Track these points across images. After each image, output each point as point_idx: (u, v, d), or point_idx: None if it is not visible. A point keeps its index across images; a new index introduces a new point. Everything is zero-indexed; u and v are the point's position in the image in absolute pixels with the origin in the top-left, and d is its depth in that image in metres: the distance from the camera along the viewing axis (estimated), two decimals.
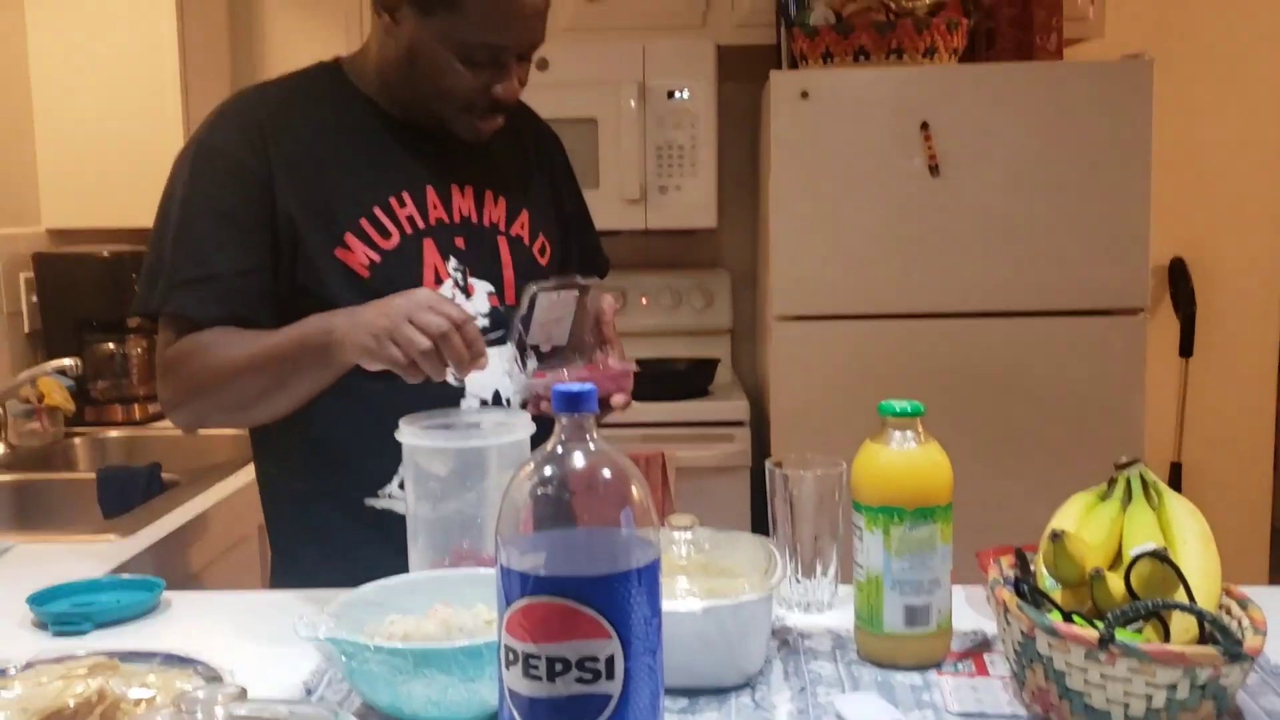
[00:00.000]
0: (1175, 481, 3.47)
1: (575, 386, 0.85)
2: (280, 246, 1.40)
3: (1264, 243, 3.48)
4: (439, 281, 1.45)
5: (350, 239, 1.41)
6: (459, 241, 1.48)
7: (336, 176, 1.43)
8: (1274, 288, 3.50)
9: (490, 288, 1.50)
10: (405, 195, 1.45)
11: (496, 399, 1.47)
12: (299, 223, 1.40)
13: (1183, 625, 0.99)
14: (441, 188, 1.48)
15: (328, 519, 1.47)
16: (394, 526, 1.33)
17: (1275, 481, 3.64)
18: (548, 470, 0.84)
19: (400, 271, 1.42)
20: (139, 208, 2.66)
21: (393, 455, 1.29)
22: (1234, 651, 0.92)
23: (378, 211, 1.43)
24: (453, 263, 1.47)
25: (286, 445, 1.48)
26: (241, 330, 1.37)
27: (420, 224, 1.45)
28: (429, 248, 1.45)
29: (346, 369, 1.30)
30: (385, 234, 1.43)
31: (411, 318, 1.21)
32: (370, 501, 1.44)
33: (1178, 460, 3.47)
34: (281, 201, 1.40)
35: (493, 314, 1.49)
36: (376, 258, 1.41)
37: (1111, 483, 1.16)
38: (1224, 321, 3.49)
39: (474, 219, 1.50)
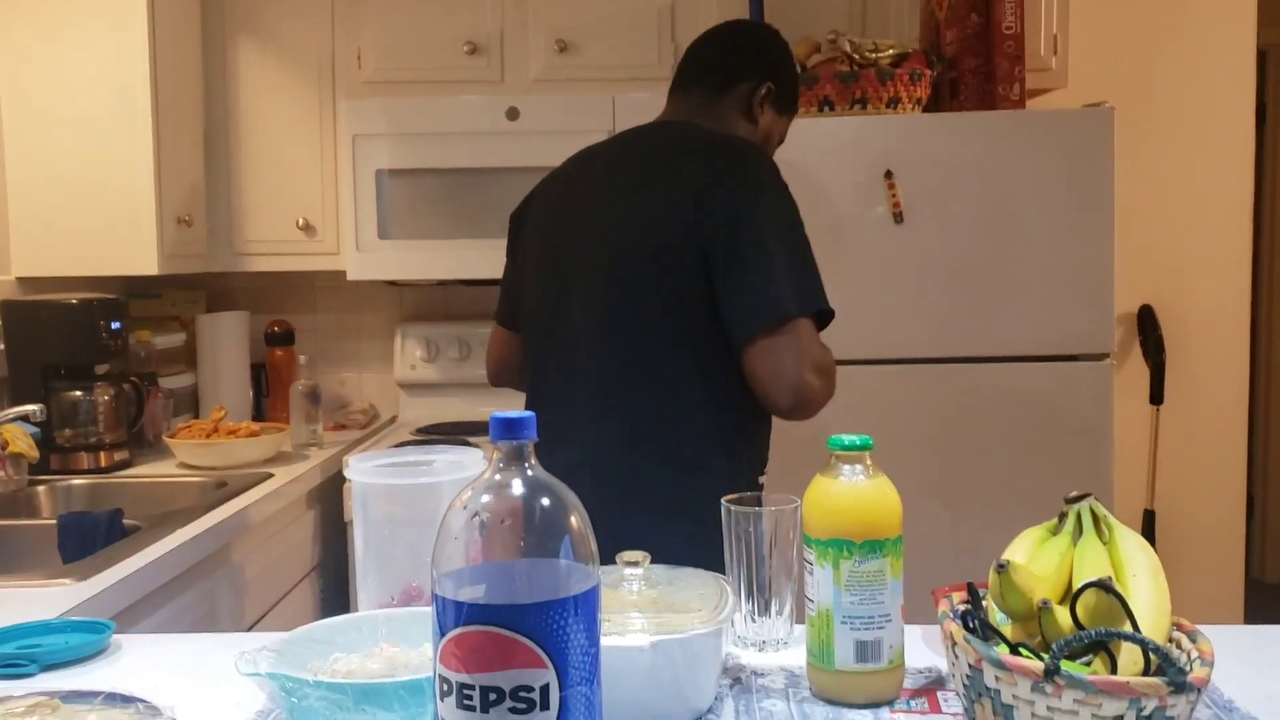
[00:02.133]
0: (1149, 528, 3.47)
1: (513, 413, 0.85)
2: None
3: (1231, 289, 3.52)
4: None
5: None
6: None
7: None
8: (1243, 334, 3.53)
9: None
10: None
11: None
12: None
13: (1130, 657, 0.99)
14: None
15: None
16: None
17: (1249, 527, 3.64)
18: (484, 499, 0.84)
19: None
20: (109, 255, 2.69)
21: (766, 443, 1.88)
22: (1179, 682, 0.92)
23: None
24: None
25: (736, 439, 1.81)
26: None
27: None
28: None
29: None
30: None
31: None
32: (761, 479, 1.87)
33: (1151, 508, 3.48)
34: None
35: None
36: None
37: (1062, 517, 1.16)
38: (1194, 368, 3.51)
39: None
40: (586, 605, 0.83)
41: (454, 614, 0.81)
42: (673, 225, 1.73)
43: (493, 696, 0.80)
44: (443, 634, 0.82)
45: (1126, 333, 3.45)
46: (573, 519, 0.84)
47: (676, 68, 1.96)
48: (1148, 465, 3.48)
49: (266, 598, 2.39)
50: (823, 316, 1.75)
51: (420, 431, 3.08)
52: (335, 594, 2.81)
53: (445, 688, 0.81)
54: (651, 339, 1.75)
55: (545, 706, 0.80)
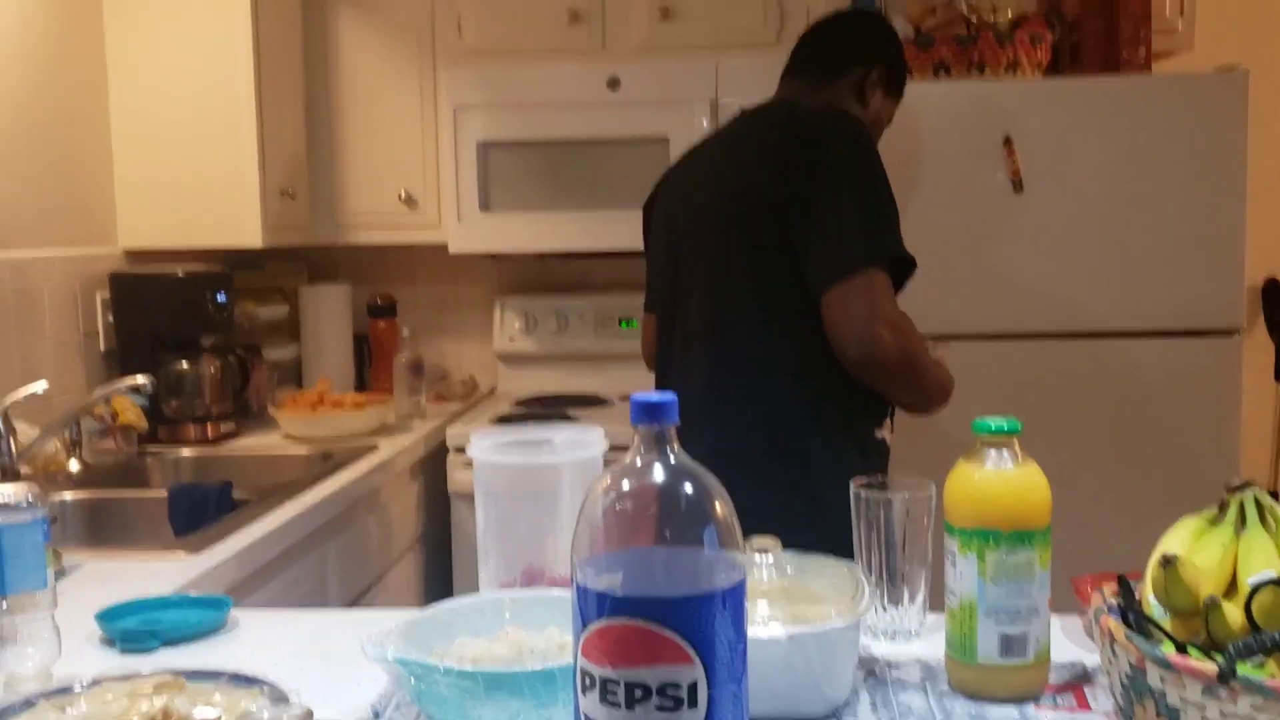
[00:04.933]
0: None
1: (655, 396, 0.81)
2: None
3: None
4: None
5: None
6: None
7: None
8: None
9: None
10: None
11: None
12: None
13: None
14: None
15: (850, 450, 1.82)
16: (884, 453, 1.90)
17: None
18: (626, 485, 0.80)
19: None
20: (214, 228, 2.71)
21: (883, 403, 1.86)
22: None
23: None
24: None
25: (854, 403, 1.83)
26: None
27: None
28: None
29: None
30: None
31: None
32: (878, 433, 1.88)
33: (1274, 489, 3.34)
34: None
35: None
36: None
37: (1223, 506, 1.08)
38: None
39: None
40: (734, 599, 0.78)
41: (597, 605, 0.77)
42: (753, 190, 1.81)
43: (639, 693, 0.76)
44: (584, 624, 0.78)
45: (1250, 307, 3.31)
46: (718, 507, 0.80)
47: (790, 55, 2.03)
48: (1272, 445, 3.34)
49: (373, 570, 2.40)
50: (901, 266, 1.78)
51: (520, 404, 3.06)
52: (439, 566, 2.81)
53: (588, 682, 0.78)
54: (744, 313, 1.82)
55: (693, 704, 0.76)
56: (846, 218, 1.73)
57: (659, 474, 0.80)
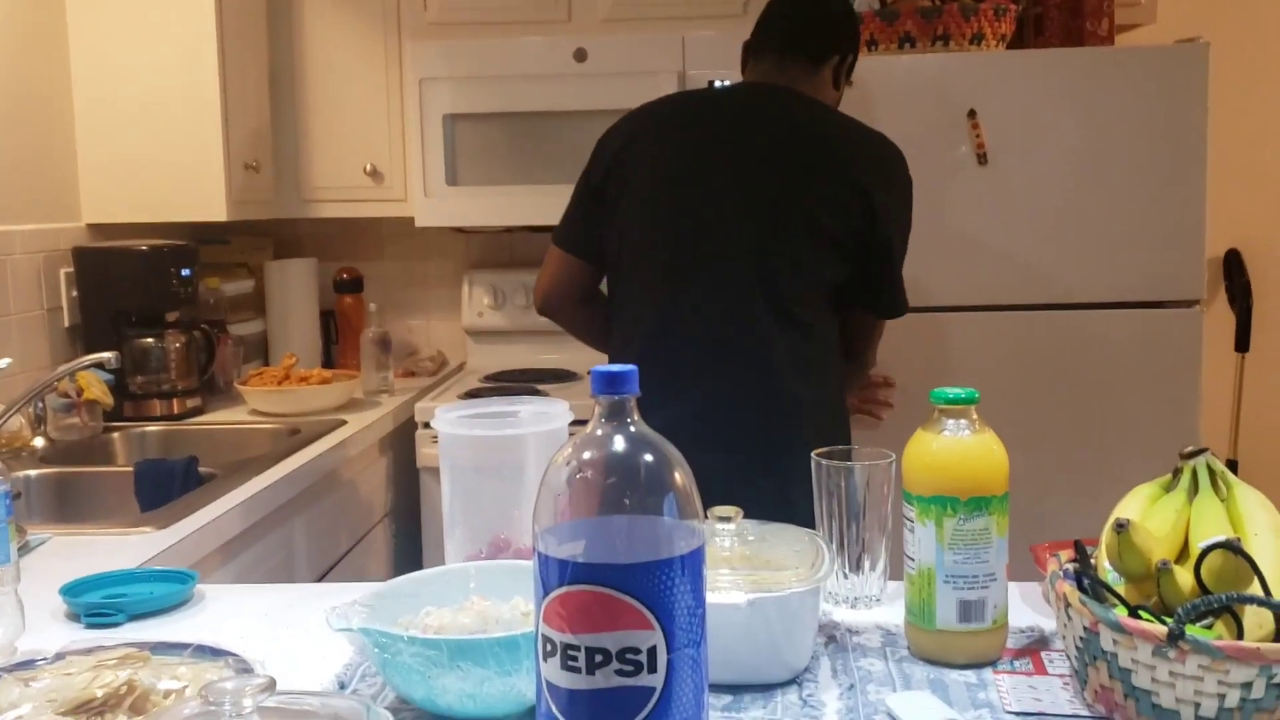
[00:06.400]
0: None
1: (615, 367, 0.82)
2: None
3: None
4: None
5: None
6: None
7: None
8: None
9: None
10: None
11: None
12: None
13: (1256, 621, 0.94)
14: None
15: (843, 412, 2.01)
16: None
17: None
18: (586, 454, 0.81)
19: None
20: (178, 201, 2.68)
21: None
22: None
23: None
24: None
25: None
26: None
27: None
28: None
29: None
30: None
31: None
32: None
33: (1233, 457, 3.39)
34: None
35: None
36: None
37: (1176, 473, 1.10)
38: None
39: None
40: (693, 565, 0.80)
41: (558, 572, 0.78)
42: (844, 214, 1.86)
43: (599, 658, 0.77)
44: (546, 593, 0.79)
45: (1212, 278, 3.34)
46: (677, 475, 0.81)
47: (764, 27, 2.02)
48: (1231, 414, 3.38)
49: (341, 544, 2.40)
50: None
51: (488, 378, 3.06)
52: (407, 540, 2.81)
53: (549, 648, 0.78)
54: (788, 304, 1.85)
55: (652, 669, 0.77)
56: (900, 267, 1.97)
57: (619, 443, 0.80)
